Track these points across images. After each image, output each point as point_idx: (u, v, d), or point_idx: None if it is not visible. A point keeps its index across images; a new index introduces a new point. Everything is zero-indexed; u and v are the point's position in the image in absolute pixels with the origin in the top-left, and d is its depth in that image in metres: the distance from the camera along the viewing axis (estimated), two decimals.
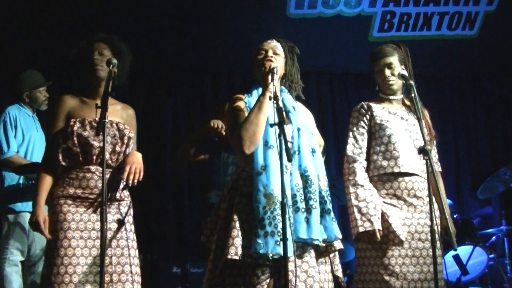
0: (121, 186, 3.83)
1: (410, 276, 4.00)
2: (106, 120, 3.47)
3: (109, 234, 3.69)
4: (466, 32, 7.92)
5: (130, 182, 3.71)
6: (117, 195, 3.81)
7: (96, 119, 3.72)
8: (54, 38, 6.94)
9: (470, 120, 8.45)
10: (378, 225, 3.99)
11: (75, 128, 3.74)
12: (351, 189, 4.13)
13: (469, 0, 7.68)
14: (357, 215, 4.02)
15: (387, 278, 3.99)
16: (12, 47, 7.08)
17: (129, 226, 3.83)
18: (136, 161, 3.77)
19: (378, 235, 3.99)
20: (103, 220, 3.32)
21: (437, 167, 4.38)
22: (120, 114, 3.98)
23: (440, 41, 7.93)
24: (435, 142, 4.41)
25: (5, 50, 7.12)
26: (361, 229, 3.98)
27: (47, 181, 3.79)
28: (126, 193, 3.90)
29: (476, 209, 7.66)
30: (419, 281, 4.00)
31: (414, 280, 4.00)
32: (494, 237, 6.82)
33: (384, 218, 4.05)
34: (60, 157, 3.75)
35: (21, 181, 5.54)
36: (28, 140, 5.70)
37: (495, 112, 8.49)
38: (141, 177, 3.74)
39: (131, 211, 3.89)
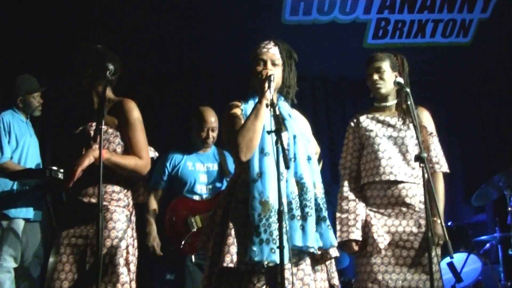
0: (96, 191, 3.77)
1: (393, 284, 4.04)
2: (103, 127, 3.46)
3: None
4: (460, 40, 7.94)
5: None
6: (92, 199, 3.69)
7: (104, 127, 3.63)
8: (50, 42, 6.92)
9: (464, 127, 8.46)
10: (355, 236, 4.08)
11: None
12: (338, 201, 4.29)
13: (463, 8, 7.70)
14: (338, 226, 4.16)
15: (370, 285, 4.07)
16: (6, 52, 7.05)
17: (115, 233, 3.72)
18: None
19: (355, 246, 4.11)
20: (100, 227, 3.29)
21: (439, 168, 4.35)
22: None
23: (434, 48, 7.95)
24: (435, 142, 4.38)
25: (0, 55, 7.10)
26: (338, 239, 4.05)
27: None
28: (112, 197, 3.78)
29: (470, 216, 7.66)
30: None
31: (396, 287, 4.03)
32: (488, 244, 6.82)
33: (368, 226, 4.12)
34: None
35: (15, 187, 5.52)
36: (22, 146, 5.68)
37: (488, 119, 8.50)
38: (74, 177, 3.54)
39: (119, 217, 3.75)
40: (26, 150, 5.71)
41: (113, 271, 3.53)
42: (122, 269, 3.54)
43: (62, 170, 5.16)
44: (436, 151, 4.36)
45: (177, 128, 7.77)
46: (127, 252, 3.64)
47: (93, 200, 3.63)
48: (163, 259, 5.65)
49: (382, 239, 4.06)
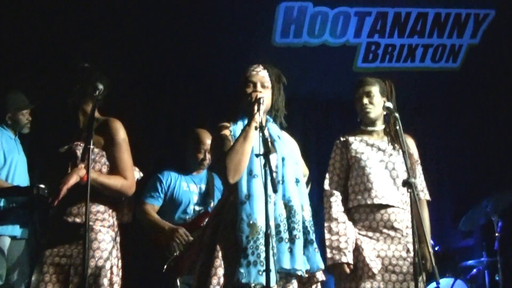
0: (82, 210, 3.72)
1: None
2: (91, 146, 3.46)
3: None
4: (450, 65, 7.99)
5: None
6: (77, 219, 3.68)
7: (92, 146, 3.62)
8: (42, 57, 6.91)
9: (452, 151, 8.48)
10: (347, 259, 4.05)
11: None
12: (326, 223, 4.23)
13: (453, 33, 7.75)
14: (328, 249, 4.11)
15: None
16: None
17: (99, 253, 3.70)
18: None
19: (347, 268, 4.07)
20: (85, 245, 3.27)
21: (423, 195, 4.38)
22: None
23: (423, 73, 7.98)
24: (419, 170, 4.41)
25: None
26: (329, 262, 4.06)
27: None
28: (97, 216, 3.79)
29: (458, 241, 7.65)
30: None
31: None
32: (475, 270, 6.82)
33: (359, 250, 4.10)
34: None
35: (1, 204, 5.49)
36: (10, 162, 5.65)
37: (477, 143, 8.52)
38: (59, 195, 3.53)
39: (104, 237, 3.76)
40: (14, 167, 5.67)
41: None
42: None
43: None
44: (421, 179, 4.42)
45: (166, 151, 7.74)
46: (111, 273, 3.63)
47: (78, 220, 3.63)
48: (149, 279, 5.62)
49: (375, 264, 4.04)
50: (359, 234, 4.17)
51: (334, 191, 4.31)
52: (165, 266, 5.02)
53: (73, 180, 3.51)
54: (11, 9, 6.57)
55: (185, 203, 5.33)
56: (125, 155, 3.80)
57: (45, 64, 6.29)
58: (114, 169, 3.75)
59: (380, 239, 4.14)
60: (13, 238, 5.51)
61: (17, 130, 5.81)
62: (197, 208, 5.33)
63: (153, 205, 5.39)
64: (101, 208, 3.74)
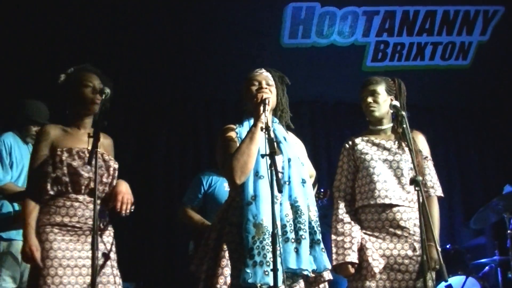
0: (106, 217, 3.88)
1: None
2: (98, 150, 3.52)
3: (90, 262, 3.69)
4: (459, 62, 7.96)
5: (124, 212, 3.72)
6: (101, 225, 3.82)
7: (88, 148, 3.72)
8: (49, 66, 6.93)
9: (462, 150, 8.45)
10: (351, 258, 4.04)
11: (63, 157, 3.74)
12: (333, 224, 4.24)
13: (462, 31, 7.73)
14: (333, 249, 4.11)
15: None
16: (9, 74, 7.08)
17: (113, 255, 3.85)
18: (128, 192, 3.82)
19: (351, 268, 4.07)
20: (94, 248, 3.32)
21: (433, 192, 4.35)
22: (101, 144, 3.91)
23: (433, 71, 7.97)
24: (430, 166, 4.39)
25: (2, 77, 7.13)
26: (334, 262, 4.05)
27: (35, 211, 3.75)
28: (109, 224, 3.93)
29: (469, 239, 7.63)
30: None
31: None
32: (487, 268, 6.78)
33: (363, 250, 4.10)
34: (48, 186, 3.73)
35: (14, 209, 5.51)
36: (22, 168, 5.67)
37: (487, 141, 8.50)
38: (132, 207, 3.77)
39: (113, 240, 3.91)
40: (25, 173, 5.70)
41: None
42: None
43: None
44: (431, 176, 4.35)
45: (175, 153, 7.78)
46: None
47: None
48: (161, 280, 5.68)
49: (377, 263, 4.04)
50: (365, 234, 4.17)
51: (342, 193, 4.32)
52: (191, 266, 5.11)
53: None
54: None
55: None
56: None
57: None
58: None
59: (387, 238, 4.13)
60: None
61: (23, 137, 5.79)
62: None
63: (192, 207, 5.52)
64: (108, 214, 3.94)
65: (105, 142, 4.02)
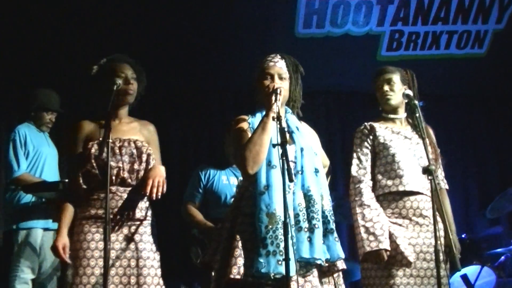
0: (144, 205, 3.85)
1: None
2: (132, 137, 3.63)
3: (124, 253, 3.72)
4: (475, 51, 7.92)
5: (154, 195, 3.69)
6: (138, 214, 3.80)
7: (122, 138, 3.80)
8: (64, 56, 6.98)
9: (478, 139, 8.42)
10: (385, 245, 4.00)
11: (92, 150, 3.75)
12: (358, 210, 4.15)
13: (477, 19, 7.68)
14: (364, 235, 4.04)
15: None
16: (25, 66, 7.12)
17: (149, 245, 3.81)
18: (159, 174, 3.75)
19: (385, 255, 4.01)
20: (106, 239, 3.33)
21: (444, 185, 4.38)
22: (139, 132, 3.97)
23: (449, 60, 7.92)
24: (440, 160, 4.40)
25: (18, 69, 7.17)
26: (367, 249, 4.00)
27: (69, 207, 3.83)
28: (149, 212, 3.89)
29: (485, 229, 7.60)
30: None
31: None
32: (503, 257, 6.76)
33: (392, 238, 4.06)
34: (81, 181, 3.76)
35: (33, 199, 5.55)
36: (39, 156, 5.70)
37: (503, 131, 8.45)
38: (164, 189, 3.73)
39: (153, 230, 3.88)
40: (44, 160, 5.72)
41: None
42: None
43: None
44: (441, 169, 4.39)
45: (189, 143, 7.79)
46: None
47: (143, 214, 3.83)
48: (173, 271, 5.67)
49: (409, 252, 4.03)
50: (389, 221, 4.14)
51: (363, 178, 4.25)
52: (198, 260, 5.09)
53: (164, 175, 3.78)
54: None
55: (225, 196, 5.37)
56: (160, 157, 4.04)
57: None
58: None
59: (409, 226, 4.13)
60: (46, 229, 5.56)
61: (38, 125, 5.84)
62: None
63: (195, 203, 5.46)
64: (150, 204, 3.91)
65: (146, 129, 4.04)
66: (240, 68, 7.11)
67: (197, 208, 5.45)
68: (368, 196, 4.18)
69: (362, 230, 4.07)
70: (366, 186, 4.22)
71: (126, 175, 3.76)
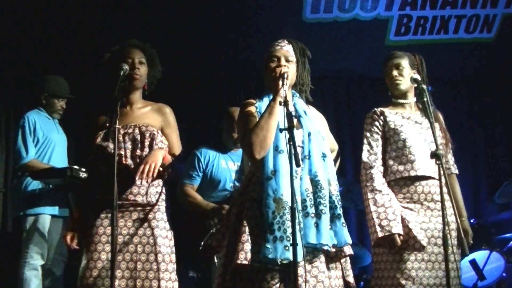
0: (154, 190, 3.86)
1: (426, 281, 4.02)
2: (118, 126, 3.57)
3: (132, 239, 3.75)
4: (484, 35, 7.85)
5: (145, 179, 3.70)
6: (147, 199, 3.81)
7: (125, 125, 3.82)
8: (75, 44, 6.98)
9: (487, 124, 8.38)
10: (397, 230, 4.00)
11: (98, 140, 3.79)
12: (369, 195, 4.16)
13: (486, 3, 7.61)
14: (376, 221, 4.05)
15: (403, 282, 4.01)
16: (35, 54, 7.13)
17: (159, 231, 3.80)
18: (151, 159, 3.73)
19: (398, 240, 4.02)
20: (113, 224, 3.34)
21: (454, 169, 4.37)
22: (151, 116, 3.98)
23: (457, 45, 7.87)
24: (450, 144, 4.39)
25: (25, 56, 7.18)
26: (380, 234, 4.01)
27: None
28: (161, 197, 3.90)
29: (494, 214, 7.58)
30: (434, 286, 4.03)
31: (429, 285, 4.02)
32: (511, 242, 6.75)
33: (404, 223, 4.07)
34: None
35: (40, 186, 5.57)
36: (48, 142, 5.72)
37: None
38: (155, 174, 3.70)
39: (163, 216, 3.87)
40: (53, 146, 5.75)
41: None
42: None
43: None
44: (451, 154, 4.40)
45: (198, 129, 7.79)
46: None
47: (148, 199, 3.83)
48: (185, 256, 5.67)
49: (422, 236, 4.04)
50: (401, 206, 4.14)
51: (374, 163, 4.24)
52: (202, 244, 5.07)
53: (161, 159, 3.74)
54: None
55: (224, 180, 5.34)
56: (178, 138, 4.09)
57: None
58: (172, 150, 4.00)
59: (421, 211, 4.13)
60: (53, 216, 5.59)
61: (49, 112, 5.86)
62: (237, 184, 5.31)
63: (193, 185, 5.41)
64: (164, 188, 3.92)
65: (160, 112, 4.06)
66: (248, 53, 7.10)
67: (194, 190, 5.41)
68: (379, 181, 4.18)
69: (374, 215, 4.07)
70: (377, 171, 4.22)
71: (129, 161, 3.77)
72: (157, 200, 3.85)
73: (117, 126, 3.49)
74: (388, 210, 4.05)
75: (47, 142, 5.73)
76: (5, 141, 7.24)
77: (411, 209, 4.14)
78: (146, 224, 3.77)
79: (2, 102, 7.36)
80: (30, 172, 5.47)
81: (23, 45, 7.06)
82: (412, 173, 4.15)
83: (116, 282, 3.61)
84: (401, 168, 4.19)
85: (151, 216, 3.80)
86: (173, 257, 3.86)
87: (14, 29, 6.83)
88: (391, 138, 4.29)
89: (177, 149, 4.07)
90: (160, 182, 3.90)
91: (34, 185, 5.56)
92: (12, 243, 5.89)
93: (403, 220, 4.06)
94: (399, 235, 4.02)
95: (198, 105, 7.86)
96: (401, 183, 4.21)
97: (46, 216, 5.51)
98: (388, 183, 4.23)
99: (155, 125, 3.93)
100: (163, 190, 3.93)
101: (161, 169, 3.80)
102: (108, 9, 6.78)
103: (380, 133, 4.33)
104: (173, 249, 3.88)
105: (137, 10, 6.82)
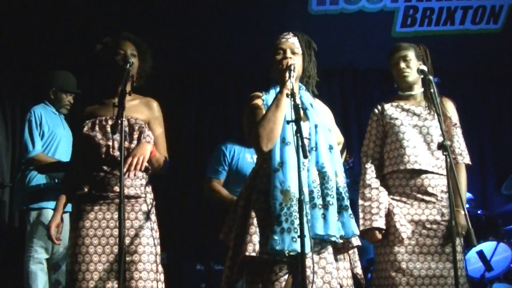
0: (138, 182, 3.84)
1: (417, 273, 4.04)
2: (124, 119, 3.56)
3: (114, 232, 3.74)
4: (490, 26, 7.82)
5: (132, 172, 3.69)
6: (131, 191, 3.79)
7: (113, 117, 3.74)
8: (78, 38, 6.97)
9: (494, 115, 8.36)
10: (378, 224, 4.07)
11: (84, 129, 3.80)
12: (360, 189, 4.27)
13: None
14: (360, 214, 4.14)
15: (393, 274, 4.06)
16: (41, 48, 7.14)
17: (147, 223, 3.80)
18: (139, 152, 3.72)
19: (378, 234, 4.10)
20: (121, 218, 3.35)
21: (461, 159, 4.33)
22: (139, 110, 3.96)
23: (464, 36, 7.84)
24: (453, 132, 4.35)
25: (31, 51, 7.18)
26: (361, 228, 4.06)
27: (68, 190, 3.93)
28: (146, 189, 3.90)
29: (502, 206, 7.57)
30: (427, 277, 4.05)
31: (421, 276, 4.04)
32: None
33: (390, 216, 4.12)
34: (76, 161, 3.85)
35: (44, 180, 5.58)
36: (53, 137, 5.74)
37: None
38: (143, 166, 3.70)
39: (147, 208, 3.86)
40: (58, 141, 5.76)
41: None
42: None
43: None
44: (459, 143, 4.34)
45: (205, 123, 7.80)
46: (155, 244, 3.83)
47: (137, 192, 3.81)
48: (192, 250, 5.68)
49: (405, 229, 4.06)
50: (393, 199, 4.19)
51: (369, 158, 4.35)
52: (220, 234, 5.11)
53: (149, 153, 3.75)
54: None
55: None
56: (164, 134, 4.03)
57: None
58: (156, 145, 3.94)
59: (414, 204, 4.16)
60: None
61: (57, 107, 5.88)
62: None
63: (219, 180, 5.43)
64: (148, 180, 3.93)
65: (147, 106, 4.03)
66: (254, 47, 7.09)
67: (221, 185, 5.41)
68: (370, 176, 4.27)
69: (360, 209, 4.16)
70: (370, 166, 4.32)
71: (116, 153, 3.74)
72: (142, 193, 3.84)
73: (123, 119, 3.49)
74: (373, 204, 4.12)
75: (52, 136, 5.74)
76: (12, 136, 7.24)
77: (404, 202, 4.18)
78: (132, 216, 3.76)
79: (8, 97, 7.37)
80: (37, 166, 5.48)
81: (29, 40, 7.06)
82: (408, 166, 4.17)
83: (96, 275, 3.65)
84: (394, 161, 4.24)
85: (137, 208, 3.80)
86: (157, 249, 3.82)
87: (21, 23, 6.84)
88: (389, 131, 4.33)
89: (161, 145, 4.04)
90: (144, 175, 3.89)
91: (38, 179, 5.57)
92: (19, 237, 5.89)
93: (390, 213, 4.12)
94: (380, 229, 4.08)
95: (204, 100, 7.87)
96: (395, 176, 4.25)
97: (49, 210, 5.49)
98: (384, 176, 4.30)
99: (143, 119, 3.92)
100: (148, 183, 3.93)
101: (147, 164, 3.80)
102: (114, 5, 6.79)
103: (378, 127, 4.40)
104: (157, 241, 3.84)
105: (143, 6, 6.82)
